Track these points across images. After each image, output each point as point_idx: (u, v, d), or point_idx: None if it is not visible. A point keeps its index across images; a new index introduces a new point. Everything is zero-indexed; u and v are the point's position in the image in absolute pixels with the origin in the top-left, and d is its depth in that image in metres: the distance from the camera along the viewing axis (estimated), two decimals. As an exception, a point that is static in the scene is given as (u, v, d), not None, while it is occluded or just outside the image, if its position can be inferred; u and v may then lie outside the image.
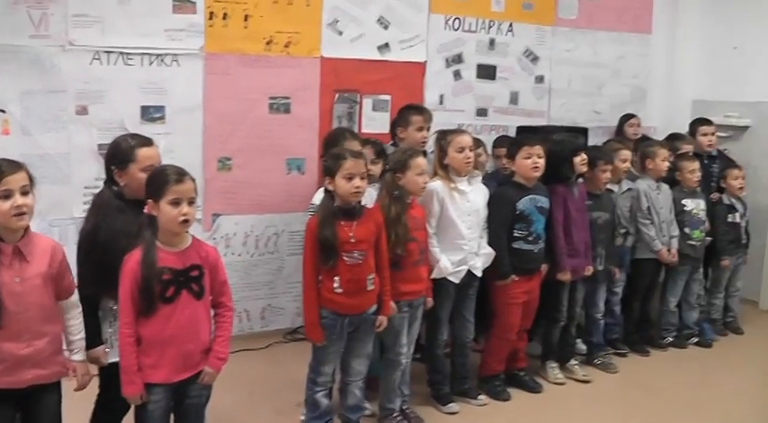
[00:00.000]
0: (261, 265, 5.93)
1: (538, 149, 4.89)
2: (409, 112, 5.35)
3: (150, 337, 3.23)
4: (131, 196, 3.51)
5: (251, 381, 5.13)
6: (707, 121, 6.76)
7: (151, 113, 5.39)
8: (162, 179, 3.24)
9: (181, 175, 3.25)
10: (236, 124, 5.68)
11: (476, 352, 5.27)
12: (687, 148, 6.37)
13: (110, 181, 3.58)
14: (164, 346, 3.24)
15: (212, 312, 3.44)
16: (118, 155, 3.56)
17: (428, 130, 5.27)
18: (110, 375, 3.50)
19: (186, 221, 3.22)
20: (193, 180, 3.30)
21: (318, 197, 4.35)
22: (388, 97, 6.22)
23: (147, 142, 3.62)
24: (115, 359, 3.36)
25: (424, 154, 5.19)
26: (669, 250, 5.91)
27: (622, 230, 5.81)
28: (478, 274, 4.82)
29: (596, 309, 5.67)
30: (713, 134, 6.70)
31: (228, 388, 4.20)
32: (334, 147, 4.49)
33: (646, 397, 5.23)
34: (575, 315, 5.47)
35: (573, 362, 5.49)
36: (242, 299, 5.81)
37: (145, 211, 3.26)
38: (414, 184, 4.34)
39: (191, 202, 3.24)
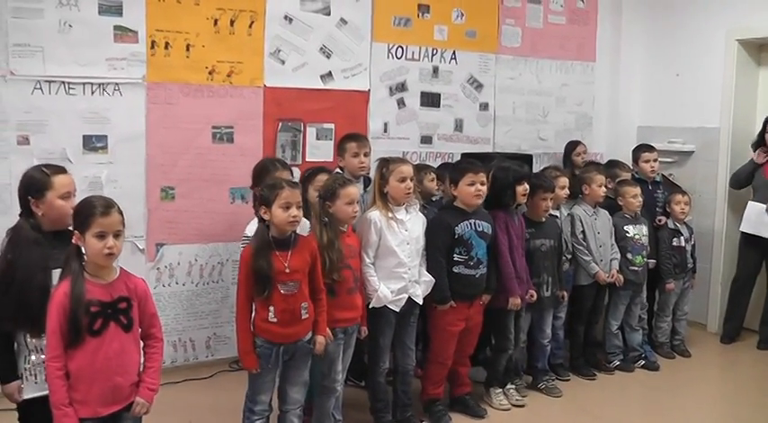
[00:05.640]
0: (205, 294, 5.91)
1: (482, 177, 4.91)
2: (344, 140, 5.45)
3: (78, 370, 3.18)
4: (50, 228, 3.51)
5: (193, 410, 5.08)
6: (649, 148, 6.80)
7: (93, 143, 5.36)
8: (87, 211, 3.22)
9: (107, 207, 3.23)
10: (179, 154, 5.68)
11: (419, 378, 5.23)
12: (625, 175, 6.47)
13: (26, 213, 3.55)
14: (92, 380, 3.20)
15: (142, 344, 3.41)
16: (34, 184, 3.54)
17: (365, 155, 5.34)
18: (27, 412, 3.49)
19: (111, 255, 3.20)
20: (121, 213, 3.28)
21: (251, 229, 4.37)
22: (331, 126, 6.25)
23: (61, 170, 3.63)
24: (31, 395, 3.36)
25: (367, 182, 5.18)
26: (610, 272, 5.94)
27: (569, 255, 5.86)
28: (419, 301, 4.82)
29: (543, 334, 5.67)
30: (655, 160, 6.71)
31: (170, 419, 4.16)
32: (263, 177, 4.57)
33: (589, 422, 5.23)
34: (518, 342, 5.45)
35: (510, 386, 5.45)
36: (186, 328, 5.84)
37: (73, 241, 3.23)
38: (343, 213, 4.37)
39: (117, 235, 3.22)
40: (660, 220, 6.56)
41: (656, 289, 6.57)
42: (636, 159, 6.75)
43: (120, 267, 3.36)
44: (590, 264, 5.86)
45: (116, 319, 3.25)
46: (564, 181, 5.86)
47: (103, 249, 3.17)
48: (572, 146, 7.29)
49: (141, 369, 3.38)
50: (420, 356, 5.29)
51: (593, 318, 6.11)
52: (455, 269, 4.89)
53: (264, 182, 4.42)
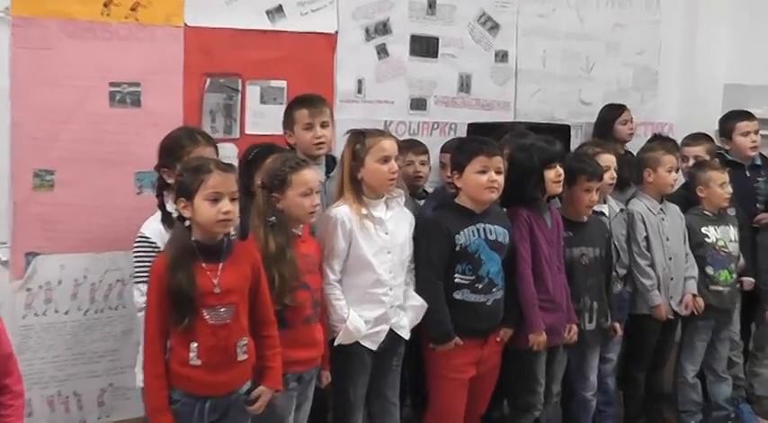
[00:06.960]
0: (98, 326, 5.81)
1: (498, 162, 4.91)
2: (292, 107, 5.46)
3: None
4: None
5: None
6: (747, 115, 6.81)
7: (-66, 106, 5.30)
8: None
9: None
10: (60, 122, 5.58)
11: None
12: (701, 148, 6.47)
13: None
14: None
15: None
16: None
17: (323, 126, 5.31)
18: None
19: None
20: None
21: (152, 227, 4.39)
22: (282, 84, 6.23)
23: None
24: None
25: (331, 163, 5.23)
26: (682, 300, 5.91)
27: (621, 270, 5.84)
28: (405, 335, 4.85)
29: (585, 384, 5.67)
30: (757, 132, 6.73)
31: None
32: (175, 154, 4.51)
33: None
34: (550, 398, 5.42)
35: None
36: (70, 377, 5.74)
37: None
38: (298, 209, 4.39)
39: None
40: (762, 220, 6.56)
41: (754, 320, 6.58)
42: (727, 132, 6.79)
43: None
44: (650, 291, 5.80)
45: None
46: (608, 159, 5.78)
47: None
48: (613, 111, 7.27)
49: None
50: (409, 414, 5.34)
51: (658, 360, 6.11)
52: (457, 295, 4.91)
53: (182, 162, 4.34)
